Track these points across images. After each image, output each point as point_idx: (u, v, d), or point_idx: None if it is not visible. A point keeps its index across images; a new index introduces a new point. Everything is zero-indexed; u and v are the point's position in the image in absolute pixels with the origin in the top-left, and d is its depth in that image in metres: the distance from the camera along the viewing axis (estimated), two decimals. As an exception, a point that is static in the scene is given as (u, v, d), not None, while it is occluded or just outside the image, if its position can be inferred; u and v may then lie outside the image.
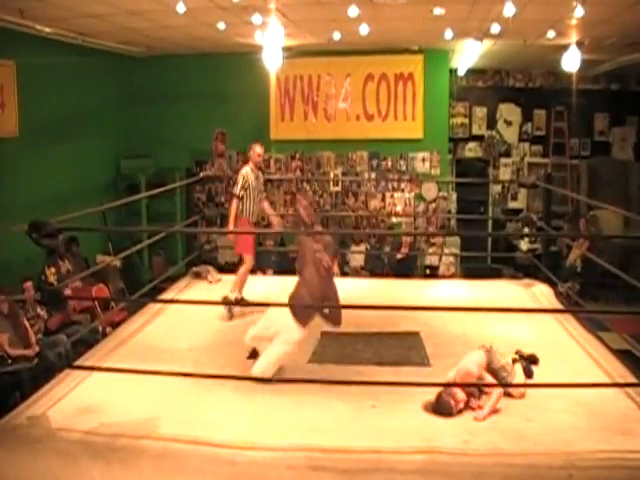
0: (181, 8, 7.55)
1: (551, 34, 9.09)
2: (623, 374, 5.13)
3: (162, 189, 8.06)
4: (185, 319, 6.44)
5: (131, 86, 12.27)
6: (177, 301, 6.95)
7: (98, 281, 9.27)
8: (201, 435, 4.06)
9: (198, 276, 8.06)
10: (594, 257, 7.70)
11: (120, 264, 10.01)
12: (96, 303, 8.85)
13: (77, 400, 4.60)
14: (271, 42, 8.21)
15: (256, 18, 8.07)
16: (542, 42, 9.77)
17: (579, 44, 8.92)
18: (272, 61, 8.39)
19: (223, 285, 7.57)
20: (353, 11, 7.68)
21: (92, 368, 4.98)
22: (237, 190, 6.84)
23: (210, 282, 7.92)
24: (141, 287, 7.30)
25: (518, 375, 4.84)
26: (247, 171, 6.93)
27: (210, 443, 3.97)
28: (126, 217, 11.78)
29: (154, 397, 4.51)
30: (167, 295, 7.42)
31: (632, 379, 5.02)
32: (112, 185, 11.84)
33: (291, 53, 10.38)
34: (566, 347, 5.83)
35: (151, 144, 12.17)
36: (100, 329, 7.96)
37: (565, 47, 8.92)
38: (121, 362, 5.16)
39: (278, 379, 4.51)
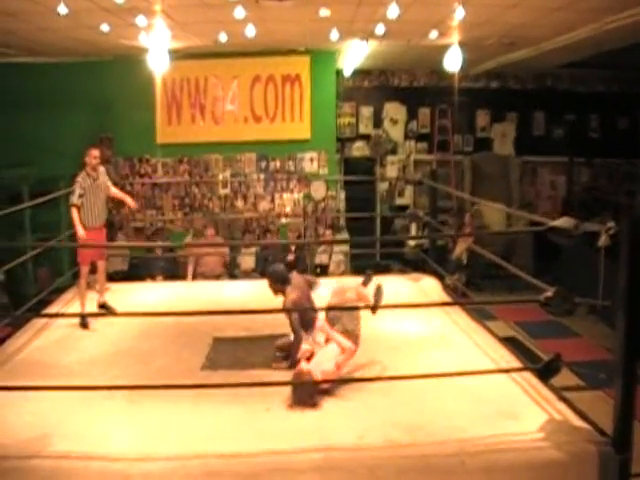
0: (63, 10, 7.28)
1: (434, 34, 9.34)
2: (509, 360, 5.37)
3: (43, 199, 7.77)
4: (73, 331, 6.27)
5: (9, 93, 11.76)
6: (63, 315, 6.74)
7: (-20, 297, 8.85)
8: (93, 450, 3.93)
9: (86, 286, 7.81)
10: (479, 249, 7.98)
11: (4, 278, 9.57)
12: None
13: (-41, 423, 4.37)
14: (157, 45, 8.05)
15: (141, 20, 7.88)
16: (425, 42, 10.03)
17: (461, 44, 9.20)
18: (158, 64, 8.22)
19: (112, 294, 7.41)
20: (239, 12, 7.63)
21: (-25, 388, 4.75)
22: (74, 199, 6.71)
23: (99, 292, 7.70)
24: (27, 301, 7.02)
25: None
26: (82, 177, 6.81)
27: (102, 457, 3.86)
28: (8, 229, 11.27)
29: (43, 414, 4.35)
30: (54, 308, 7.17)
31: (517, 364, 5.26)
32: (-8, 195, 11.32)
33: (177, 55, 10.23)
34: (455, 338, 6.03)
35: (34, 152, 11.69)
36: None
37: (447, 47, 9.18)
38: (6, 380, 4.92)
39: (172, 386, 4.43)
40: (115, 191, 7.34)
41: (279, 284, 5.48)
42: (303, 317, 5.31)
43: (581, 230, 4.14)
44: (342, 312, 5.03)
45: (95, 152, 6.93)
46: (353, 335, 4.95)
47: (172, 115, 12.13)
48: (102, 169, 7.11)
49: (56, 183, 11.06)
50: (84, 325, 6.43)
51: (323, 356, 4.85)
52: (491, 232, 12.95)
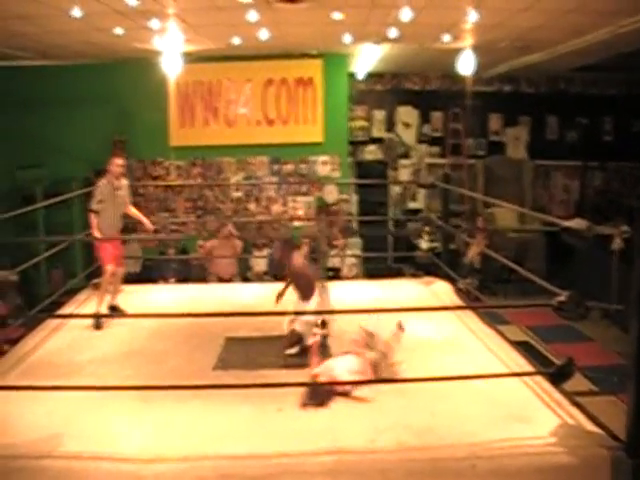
0: (77, 13, 7.33)
1: (447, 38, 9.34)
2: (521, 364, 5.35)
3: (56, 199, 7.84)
4: (86, 332, 6.29)
5: (22, 95, 11.84)
6: (76, 315, 6.78)
7: (-7, 298, 8.85)
8: (104, 450, 3.94)
9: (99, 288, 7.85)
10: (491, 253, 7.95)
11: (17, 279, 9.59)
12: (-9, 321, 8.47)
13: (-28, 422, 4.40)
14: (170, 47, 8.10)
15: (154, 23, 7.94)
16: (438, 46, 10.01)
17: (473, 48, 9.17)
18: (171, 67, 8.27)
19: (125, 295, 7.44)
20: (252, 16, 7.67)
21: (-12, 388, 4.78)
22: (93, 205, 6.78)
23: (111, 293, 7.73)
24: (40, 302, 7.07)
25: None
26: (102, 184, 6.87)
27: (113, 458, 3.87)
28: (21, 230, 11.33)
29: (55, 414, 4.37)
30: (67, 309, 7.21)
31: (529, 369, 5.24)
32: (6, 198, 11.36)
33: (190, 58, 10.26)
34: (467, 342, 6.01)
35: (47, 154, 11.77)
36: (-4, 348, 7.62)
37: (460, 50, 9.17)
38: (20, 380, 4.97)
39: (183, 387, 4.44)
40: (134, 211, 7.39)
41: (288, 248, 5.83)
42: (306, 287, 5.64)
43: (594, 231, 4.13)
44: (376, 342, 5.14)
45: (119, 161, 6.99)
46: (376, 368, 5.00)
47: (185, 118, 12.17)
48: (125, 182, 7.17)
49: (69, 185, 11.13)
50: (97, 326, 6.46)
51: (341, 364, 4.86)
52: (505, 228, 12.92)
